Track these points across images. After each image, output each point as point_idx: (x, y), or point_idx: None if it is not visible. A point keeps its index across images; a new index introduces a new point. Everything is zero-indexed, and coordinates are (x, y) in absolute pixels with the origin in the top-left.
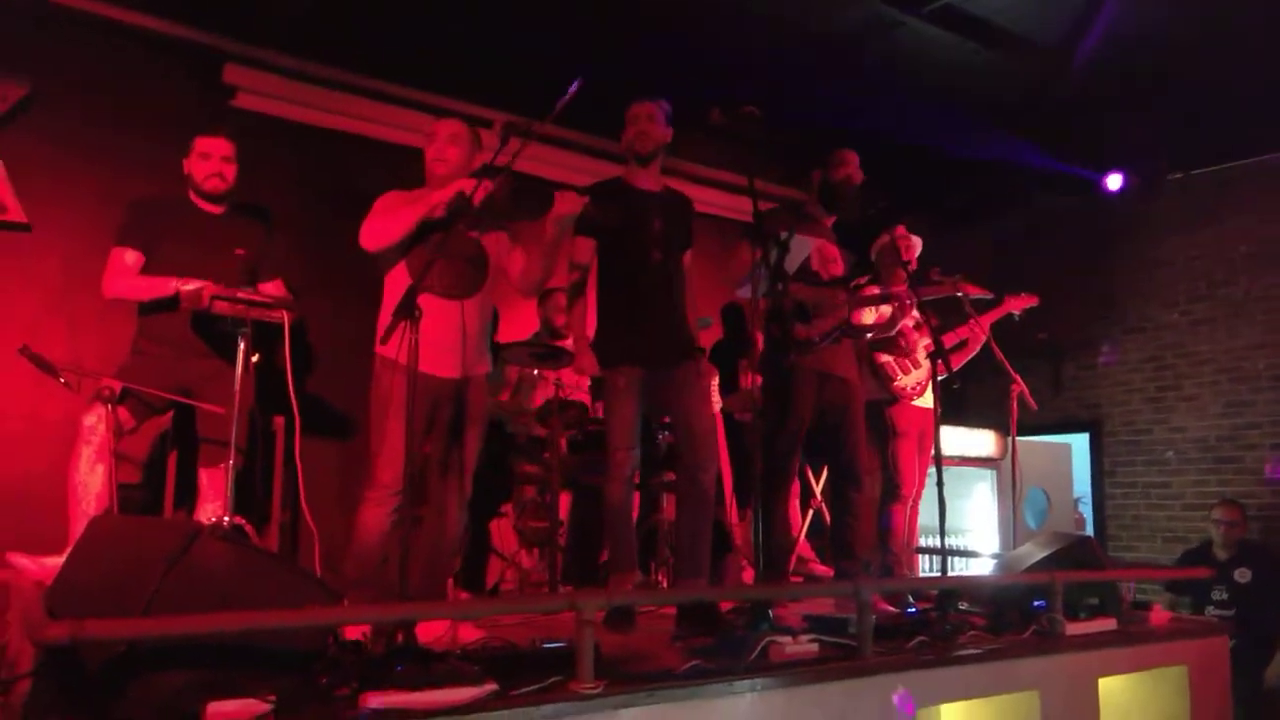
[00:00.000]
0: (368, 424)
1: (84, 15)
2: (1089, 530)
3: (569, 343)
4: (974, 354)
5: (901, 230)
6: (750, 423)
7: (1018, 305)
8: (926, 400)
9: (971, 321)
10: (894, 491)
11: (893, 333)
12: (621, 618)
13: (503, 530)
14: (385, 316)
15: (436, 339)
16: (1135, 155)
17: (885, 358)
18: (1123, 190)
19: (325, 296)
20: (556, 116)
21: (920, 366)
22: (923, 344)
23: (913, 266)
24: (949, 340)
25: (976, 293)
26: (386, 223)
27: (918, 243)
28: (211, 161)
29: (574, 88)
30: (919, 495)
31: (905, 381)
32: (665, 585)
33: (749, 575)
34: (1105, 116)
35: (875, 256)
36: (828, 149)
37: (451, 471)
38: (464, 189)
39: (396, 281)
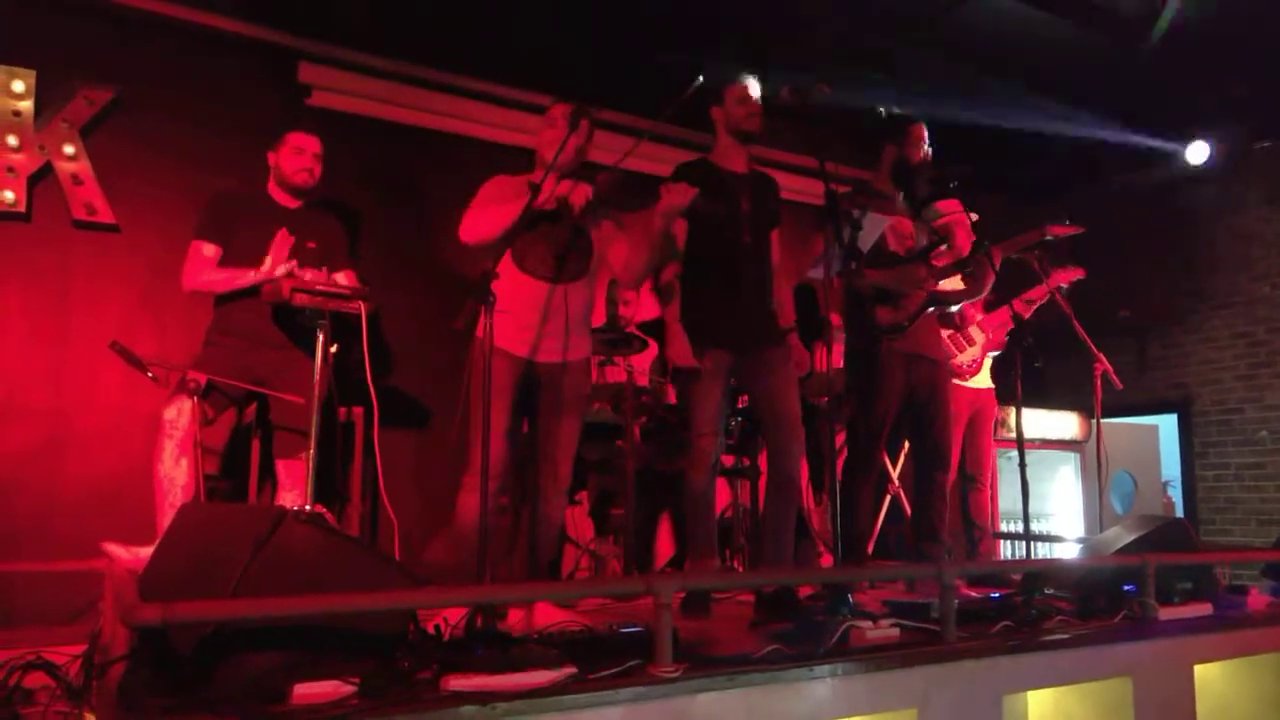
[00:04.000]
0: (458, 410)
1: (164, 19)
2: (1179, 515)
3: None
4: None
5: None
6: (825, 407)
7: (1065, 278)
8: (981, 380)
9: (1022, 299)
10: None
11: (982, 295)
12: (698, 604)
13: (577, 518)
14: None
15: (532, 322)
16: (1219, 124)
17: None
18: (1207, 161)
19: (401, 290)
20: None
21: (974, 344)
22: (976, 319)
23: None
24: (1000, 317)
25: (1065, 232)
26: (486, 221)
27: (973, 217)
28: (305, 157)
29: (694, 86)
30: (994, 480)
31: (961, 359)
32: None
33: (827, 561)
34: (1187, 85)
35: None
36: (897, 126)
37: (548, 458)
38: (565, 193)
39: (506, 271)
